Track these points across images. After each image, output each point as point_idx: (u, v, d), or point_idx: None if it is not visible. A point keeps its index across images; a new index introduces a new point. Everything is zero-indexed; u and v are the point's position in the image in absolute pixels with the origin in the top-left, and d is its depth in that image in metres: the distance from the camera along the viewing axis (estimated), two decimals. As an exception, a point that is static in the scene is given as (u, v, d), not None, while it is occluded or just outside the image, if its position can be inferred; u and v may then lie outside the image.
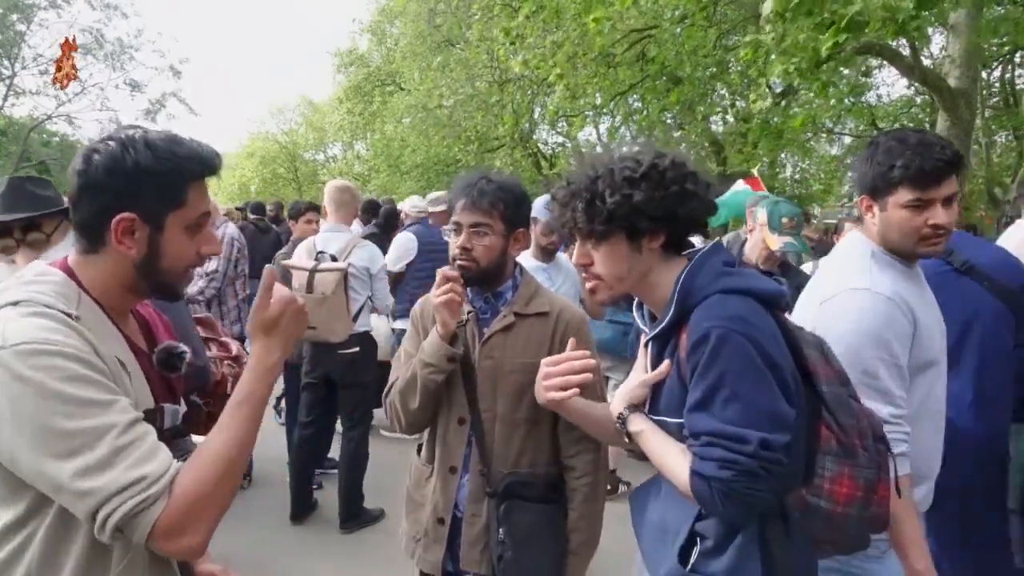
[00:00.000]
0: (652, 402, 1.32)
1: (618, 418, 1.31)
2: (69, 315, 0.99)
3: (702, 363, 1.14)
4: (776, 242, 2.79)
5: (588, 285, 1.36)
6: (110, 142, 1.04)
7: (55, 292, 1.02)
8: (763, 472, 1.07)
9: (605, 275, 1.30)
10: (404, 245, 4.93)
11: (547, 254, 3.14)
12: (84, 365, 0.95)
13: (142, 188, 1.04)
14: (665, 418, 1.27)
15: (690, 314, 1.22)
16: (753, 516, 1.12)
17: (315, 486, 4.03)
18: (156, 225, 1.07)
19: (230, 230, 4.84)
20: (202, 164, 1.10)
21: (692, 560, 1.26)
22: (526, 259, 3.02)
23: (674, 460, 1.20)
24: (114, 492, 0.91)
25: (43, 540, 0.99)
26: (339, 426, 4.01)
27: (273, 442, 4.45)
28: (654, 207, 1.22)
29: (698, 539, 1.26)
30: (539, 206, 3.06)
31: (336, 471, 4.02)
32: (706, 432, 1.12)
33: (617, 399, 1.35)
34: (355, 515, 3.74)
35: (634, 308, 1.43)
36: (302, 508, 3.82)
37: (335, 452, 4.14)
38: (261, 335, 1.11)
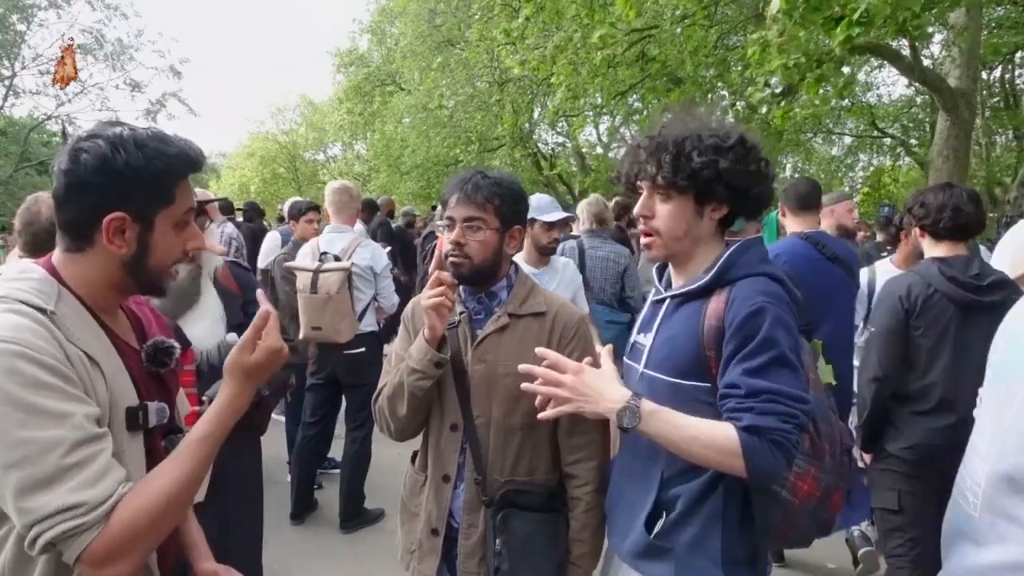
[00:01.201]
0: (659, 367, 1.36)
1: (631, 399, 1.26)
2: (44, 311, 0.98)
3: (762, 334, 1.21)
4: None
5: (644, 240, 1.40)
6: (98, 140, 1.03)
7: (33, 288, 1.01)
8: (806, 428, 1.22)
9: (664, 231, 1.35)
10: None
11: (543, 254, 3.05)
12: (46, 370, 0.93)
13: (132, 187, 1.04)
14: (668, 378, 1.32)
15: (723, 285, 1.30)
16: (785, 470, 1.21)
17: (316, 486, 4.03)
18: (146, 223, 1.07)
19: (228, 229, 4.85)
20: (189, 162, 1.10)
21: (657, 529, 1.32)
22: (518, 263, 2.99)
23: (707, 427, 1.22)
24: (49, 514, 0.90)
25: (16, 542, 0.99)
26: (340, 426, 4.01)
27: (273, 442, 4.45)
28: (735, 177, 1.29)
29: (664, 511, 1.33)
30: (536, 205, 2.96)
31: (336, 471, 4.03)
32: (771, 391, 1.18)
33: (616, 383, 1.34)
34: (355, 515, 3.74)
35: (654, 271, 1.50)
36: (303, 508, 3.82)
37: (335, 452, 4.14)
38: (241, 377, 1.10)
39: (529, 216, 2.87)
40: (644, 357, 1.40)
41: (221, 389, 1.10)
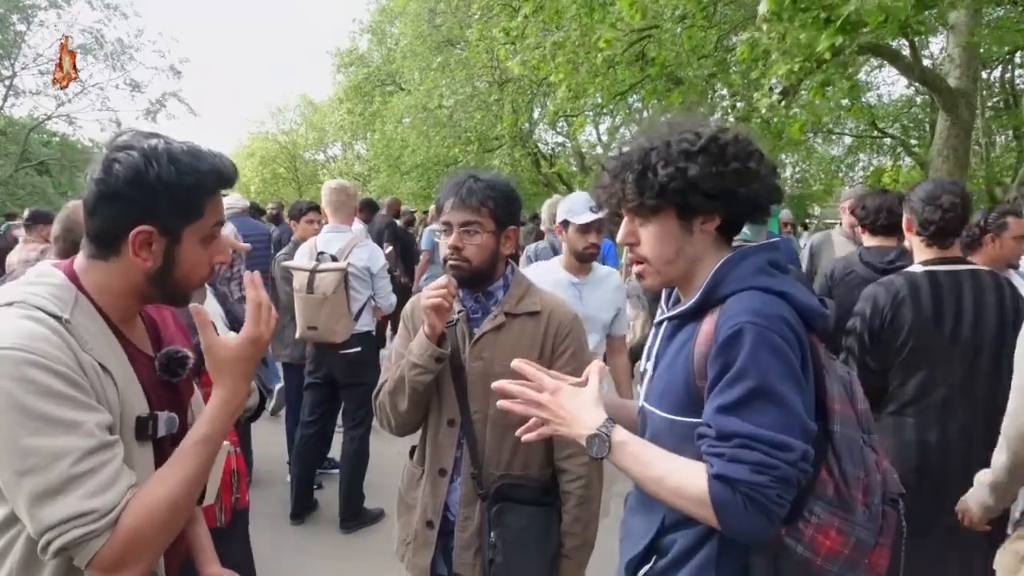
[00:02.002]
0: (656, 401, 1.22)
1: (602, 427, 1.14)
2: (59, 318, 0.98)
3: (740, 361, 1.04)
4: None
5: (635, 269, 1.25)
6: (131, 151, 1.03)
7: (50, 294, 1.01)
8: (795, 483, 1.01)
9: (652, 257, 1.20)
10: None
11: (583, 261, 2.70)
12: (59, 378, 0.94)
13: (162, 201, 1.04)
14: (663, 413, 1.18)
15: (714, 305, 1.13)
16: (770, 530, 1.02)
17: (315, 485, 4.03)
18: (173, 237, 1.07)
19: (229, 229, 4.83)
20: (221, 178, 1.10)
21: (641, 574, 1.22)
22: (556, 271, 2.69)
23: (677, 468, 1.09)
24: (59, 521, 0.91)
25: (25, 544, 0.99)
26: (340, 425, 4.01)
27: (273, 442, 4.45)
28: (710, 183, 1.12)
29: (654, 555, 1.21)
30: (569, 208, 2.67)
31: (336, 471, 4.02)
32: (741, 434, 1.02)
33: (596, 407, 1.19)
34: (355, 515, 3.74)
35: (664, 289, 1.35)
36: (302, 508, 3.82)
37: (335, 452, 4.14)
38: (239, 375, 1.09)
39: (562, 219, 2.67)
40: (644, 388, 1.29)
41: (214, 389, 1.10)
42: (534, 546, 1.60)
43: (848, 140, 18.22)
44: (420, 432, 1.78)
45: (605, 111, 13.71)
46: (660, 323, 1.30)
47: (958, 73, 7.12)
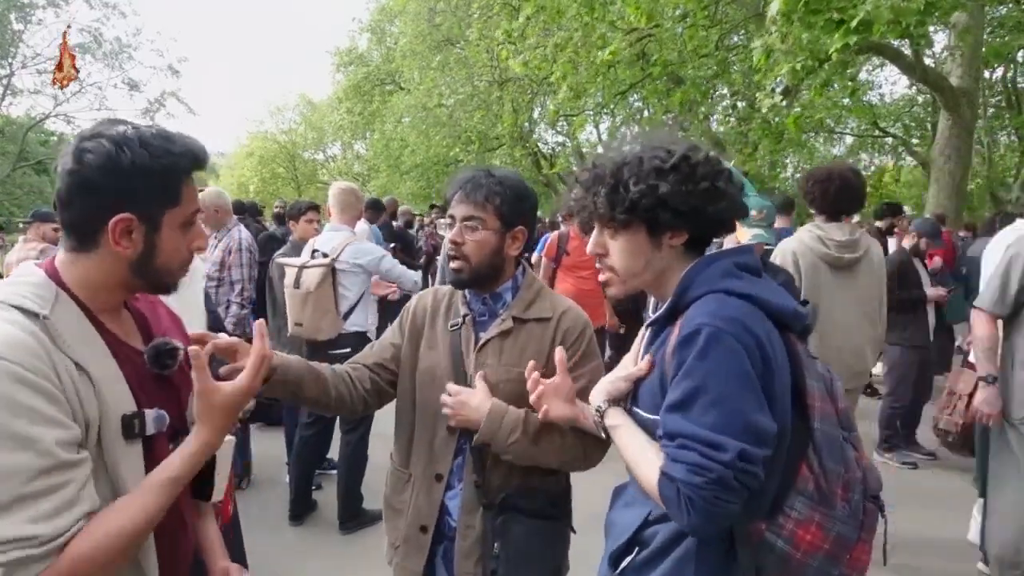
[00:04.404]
0: (633, 395, 1.26)
1: (597, 410, 1.26)
2: (37, 316, 0.96)
3: (688, 361, 1.06)
4: (746, 234, 2.82)
5: (601, 277, 1.29)
6: (102, 140, 1.01)
7: (30, 292, 0.99)
8: (736, 484, 1.00)
9: (620, 269, 1.24)
10: None
11: None
12: (25, 387, 0.91)
13: (139, 187, 1.01)
14: (645, 413, 1.21)
15: (685, 308, 1.16)
16: (716, 528, 1.04)
17: (314, 486, 4.02)
18: (153, 224, 1.05)
19: (244, 235, 4.26)
20: (194, 159, 1.08)
21: (623, 565, 1.23)
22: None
23: (647, 459, 1.13)
24: (1, 541, 0.88)
25: None
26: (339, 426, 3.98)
27: (273, 442, 4.43)
28: (680, 201, 1.15)
29: (636, 547, 1.23)
30: None
31: (336, 471, 4.00)
32: (682, 434, 1.04)
33: (598, 391, 1.29)
34: (354, 516, 3.72)
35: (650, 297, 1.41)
36: (302, 508, 3.81)
37: (334, 452, 4.12)
38: (223, 423, 1.09)
39: None
40: (630, 395, 1.32)
41: (195, 431, 1.08)
42: (539, 561, 1.56)
43: (849, 140, 18.22)
44: (401, 435, 1.73)
45: (606, 111, 13.70)
46: (646, 327, 1.34)
47: (960, 72, 7.11)
